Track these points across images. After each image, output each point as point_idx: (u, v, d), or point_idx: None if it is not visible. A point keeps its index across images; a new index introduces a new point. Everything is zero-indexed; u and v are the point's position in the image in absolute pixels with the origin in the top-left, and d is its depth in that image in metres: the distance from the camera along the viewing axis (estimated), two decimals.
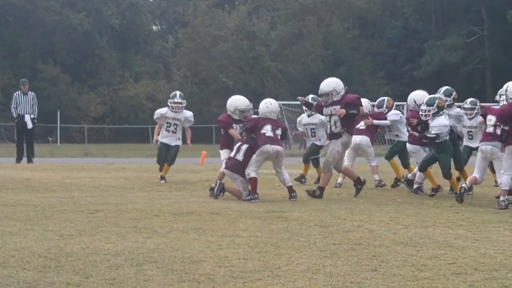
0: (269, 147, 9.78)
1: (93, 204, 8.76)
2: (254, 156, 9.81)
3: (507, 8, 47.31)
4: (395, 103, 14.16)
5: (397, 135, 12.33)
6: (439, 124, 10.33)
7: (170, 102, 12.66)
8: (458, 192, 10.00)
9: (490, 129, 9.73)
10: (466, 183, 9.99)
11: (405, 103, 18.62)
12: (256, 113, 10.73)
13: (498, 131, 9.54)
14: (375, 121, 12.25)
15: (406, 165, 12.27)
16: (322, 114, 10.80)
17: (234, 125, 10.71)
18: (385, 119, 12.28)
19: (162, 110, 12.81)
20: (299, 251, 5.80)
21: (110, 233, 6.49)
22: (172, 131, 12.64)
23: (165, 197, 9.92)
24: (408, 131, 11.74)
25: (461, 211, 8.89)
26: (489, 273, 5.11)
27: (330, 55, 53.66)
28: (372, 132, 12.48)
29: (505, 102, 9.43)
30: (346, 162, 12.25)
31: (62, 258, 5.34)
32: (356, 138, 12.05)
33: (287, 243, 6.18)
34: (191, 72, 52.83)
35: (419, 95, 11.52)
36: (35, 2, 50.83)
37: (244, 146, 9.93)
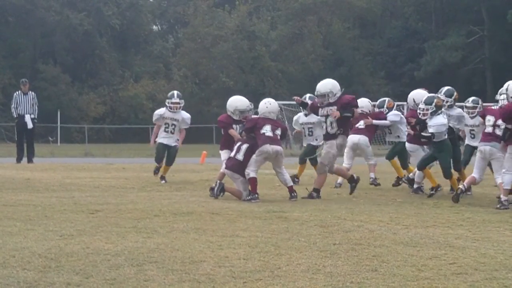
0: (268, 147, 9.78)
1: (94, 204, 8.76)
2: (254, 156, 9.81)
3: (507, 8, 47.28)
4: (396, 103, 14.17)
5: (398, 136, 12.33)
6: (437, 123, 10.34)
7: (168, 102, 12.63)
8: (455, 192, 10.02)
9: (489, 129, 9.74)
10: (463, 184, 10.00)
11: (405, 103, 18.60)
12: (257, 113, 10.73)
13: (498, 131, 9.55)
14: (375, 121, 12.27)
15: (405, 166, 12.27)
16: (317, 115, 10.76)
17: (234, 126, 10.71)
18: (385, 119, 12.29)
19: (160, 111, 12.77)
20: (299, 251, 5.80)
21: (111, 233, 6.49)
22: (171, 132, 12.61)
23: (166, 197, 9.91)
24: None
25: (461, 211, 8.89)
26: (489, 273, 5.11)
27: (330, 55, 53.63)
28: (371, 131, 12.49)
29: (505, 102, 9.45)
30: (345, 161, 12.29)
31: (63, 258, 5.34)
32: (355, 138, 12.08)
33: (288, 243, 6.18)
34: (192, 72, 52.77)
35: (418, 94, 11.51)
36: (35, 2, 50.76)
37: (244, 146, 9.93)
